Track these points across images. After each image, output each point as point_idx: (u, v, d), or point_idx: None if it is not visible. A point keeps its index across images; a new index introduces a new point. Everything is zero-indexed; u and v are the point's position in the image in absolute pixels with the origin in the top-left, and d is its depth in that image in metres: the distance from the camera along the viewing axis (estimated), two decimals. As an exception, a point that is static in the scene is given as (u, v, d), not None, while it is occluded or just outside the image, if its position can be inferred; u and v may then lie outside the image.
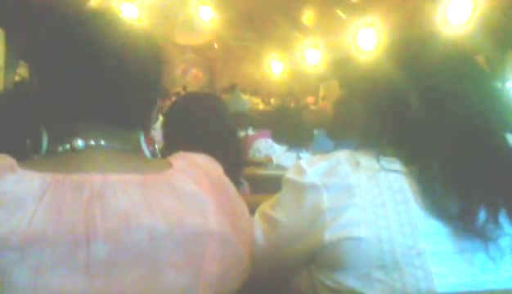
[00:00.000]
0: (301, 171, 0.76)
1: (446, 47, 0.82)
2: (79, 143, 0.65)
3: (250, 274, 0.73)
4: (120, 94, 0.68)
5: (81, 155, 0.65)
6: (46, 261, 0.54)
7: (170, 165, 0.69)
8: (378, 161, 0.74)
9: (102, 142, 0.66)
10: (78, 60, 0.65)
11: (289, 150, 2.69)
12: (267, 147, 3.05)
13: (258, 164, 2.70)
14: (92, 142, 0.66)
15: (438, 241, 0.69)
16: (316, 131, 3.34)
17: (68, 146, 0.65)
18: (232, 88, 8.12)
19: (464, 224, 0.69)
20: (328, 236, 0.72)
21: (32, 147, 0.67)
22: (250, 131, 4.33)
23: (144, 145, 0.73)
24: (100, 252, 0.56)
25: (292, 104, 8.92)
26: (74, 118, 0.67)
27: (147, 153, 0.73)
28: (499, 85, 0.82)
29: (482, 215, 0.70)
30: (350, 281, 0.71)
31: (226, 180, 0.75)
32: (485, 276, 0.70)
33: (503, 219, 0.71)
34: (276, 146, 2.93)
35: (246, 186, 1.55)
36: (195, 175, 0.68)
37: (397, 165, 0.74)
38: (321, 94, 10.53)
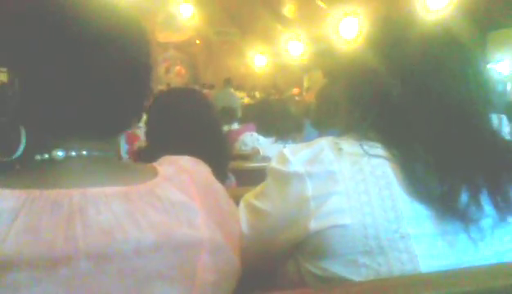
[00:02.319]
0: (284, 159, 0.76)
1: (426, 31, 0.82)
2: (59, 153, 0.61)
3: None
4: (106, 94, 0.63)
5: (59, 167, 0.61)
6: (22, 281, 0.51)
7: (155, 172, 0.66)
8: (360, 146, 0.74)
9: (84, 152, 0.62)
10: (56, 53, 0.60)
11: (275, 142, 2.69)
12: (252, 140, 3.05)
13: (245, 157, 2.70)
14: (73, 153, 0.62)
15: (422, 224, 0.70)
16: (305, 123, 3.34)
17: (46, 156, 0.61)
18: (225, 83, 8.06)
19: (447, 206, 0.70)
20: (313, 224, 0.72)
21: (3, 152, 0.63)
22: (235, 126, 4.32)
23: (122, 142, 0.71)
24: (82, 269, 0.54)
25: (276, 97, 8.92)
26: (53, 124, 0.62)
27: (124, 152, 0.70)
28: (481, 66, 0.83)
29: (464, 197, 0.71)
30: (336, 268, 0.71)
31: (214, 182, 0.73)
32: (467, 257, 0.71)
33: (484, 200, 0.72)
34: (262, 139, 2.93)
35: (233, 180, 1.55)
36: (181, 183, 0.65)
37: (379, 150, 0.74)
38: (305, 85, 10.55)
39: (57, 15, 0.60)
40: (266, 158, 2.54)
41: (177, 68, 11.75)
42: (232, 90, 7.95)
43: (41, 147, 0.61)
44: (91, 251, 0.54)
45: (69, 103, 0.61)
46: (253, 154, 2.70)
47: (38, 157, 0.61)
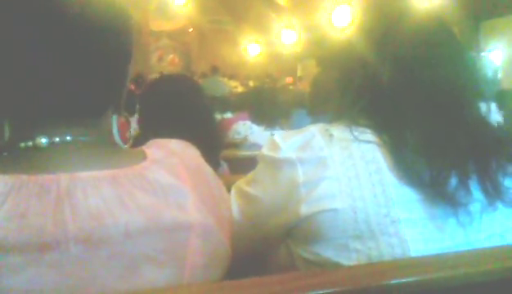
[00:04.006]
0: (275, 146, 0.76)
1: (418, 20, 0.83)
2: (42, 140, 0.60)
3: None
4: (84, 71, 0.62)
5: (45, 153, 0.60)
6: (10, 264, 0.51)
7: (144, 156, 0.65)
8: (351, 132, 0.74)
9: (68, 137, 0.62)
10: (29, 33, 0.58)
11: (265, 130, 2.72)
12: (245, 129, 3.05)
13: (238, 146, 2.71)
14: (57, 139, 0.61)
15: (411, 208, 0.71)
16: (294, 111, 3.35)
17: (30, 143, 0.60)
18: (213, 72, 8.02)
19: (436, 191, 0.71)
20: (304, 210, 0.72)
21: None
22: (228, 115, 4.32)
23: (115, 130, 0.69)
24: (72, 253, 0.53)
25: (270, 86, 8.91)
26: (35, 109, 0.61)
27: (117, 138, 0.70)
28: (472, 54, 0.84)
29: (453, 181, 0.72)
30: (328, 252, 0.72)
31: (203, 165, 0.73)
32: (456, 241, 0.72)
33: (473, 185, 0.73)
34: (255, 127, 2.93)
35: (225, 167, 1.56)
36: (171, 166, 0.65)
37: (369, 135, 0.75)
38: (299, 74, 10.54)
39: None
40: (255, 145, 2.55)
41: (171, 56, 11.69)
42: (220, 78, 7.91)
43: (24, 134, 0.61)
44: (80, 236, 0.54)
45: (47, 89, 0.60)
46: (243, 142, 2.71)
47: (22, 144, 0.60)
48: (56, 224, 0.53)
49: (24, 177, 0.55)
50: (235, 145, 2.70)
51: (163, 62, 11.42)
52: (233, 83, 9.72)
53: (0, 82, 0.61)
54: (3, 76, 0.61)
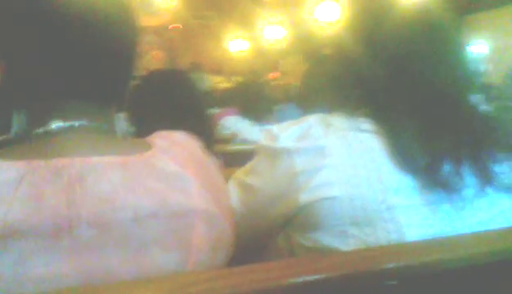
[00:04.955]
0: (273, 136, 0.78)
1: (405, 15, 0.84)
2: (55, 126, 0.63)
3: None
4: (94, 62, 0.65)
5: (57, 139, 0.62)
6: (28, 249, 0.53)
7: (150, 145, 0.68)
8: (348, 121, 0.76)
9: (78, 123, 0.64)
10: (39, 26, 0.61)
11: (253, 125, 2.72)
12: (233, 123, 3.06)
13: (226, 141, 2.72)
14: (68, 124, 0.63)
15: (407, 195, 0.73)
16: (279, 105, 3.37)
17: (43, 129, 0.62)
18: (193, 68, 7.98)
19: (430, 177, 0.73)
20: (302, 198, 0.74)
21: (7, 128, 0.64)
22: (215, 110, 4.31)
23: (119, 123, 0.71)
24: (84, 235, 0.55)
25: (254, 81, 8.88)
26: (46, 97, 0.64)
27: (122, 128, 0.71)
28: (461, 47, 0.86)
29: (446, 168, 0.74)
30: (326, 239, 0.74)
31: (205, 155, 0.75)
32: (450, 226, 0.75)
33: (466, 171, 0.75)
34: (243, 122, 2.94)
35: (221, 160, 1.56)
36: (176, 155, 0.67)
37: (367, 125, 0.77)
38: (282, 69, 10.54)
39: None
40: (245, 140, 2.56)
41: (155, 52, 11.60)
42: (201, 73, 7.88)
43: (37, 121, 0.63)
44: (91, 219, 0.56)
45: (58, 75, 0.63)
46: (232, 138, 2.72)
47: (36, 130, 0.62)
48: (69, 207, 0.55)
49: (38, 162, 0.57)
50: (224, 141, 2.71)
51: (148, 58, 11.33)
52: (218, 79, 9.69)
53: (14, 73, 0.63)
54: (17, 67, 0.63)
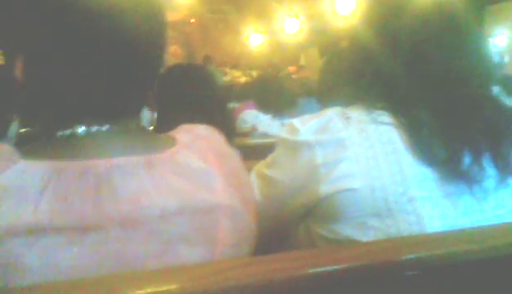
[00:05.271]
0: (294, 130, 0.79)
1: (423, 7, 0.84)
2: (81, 130, 0.63)
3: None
4: (122, 63, 0.63)
5: (83, 141, 0.63)
6: (55, 244, 0.54)
7: (174, 141, 0.68)
8: (368, 114, 0.77)
9: (104, 128, 0.64)
10: (68, 28, 0.60)
11: (272, 118, 2.73)
12: (252, 117, 3.07)
13: (245, 134, 2.73)
14: (94, 128, 0.63)
15: (427, 186, 0.74)
16: (301, 99, 3.37)
17: (68, 132, 0.62)
18: (205, 62, 7.96)
19: (451, 168, 0.74)
20: (323, 190, 0.75)
21: (32, 131, 0.65)
22: (234, 105, 4.32)
23: (145, 117, 0.72)
24: (111, 234, 0.56)
25: (273, 75, 8.85)
26: (74, 98, 0.63)
27: (147, 117, 0.71)
28: (480, 39, 0.86)
29: (466, 159, 0.74)
30: (346, 230, 0.75)
31: (229, 149, 0.75)
32: (471, 217, 0.75)
33: (486, 162, 0.75)
34: (262, 116, 2.95)
35: (239, 153, 1.58)
36: (200, 150, 0.68)
37: (386, 117, 0.77)
38: (302, 63, 10.49)
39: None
40: (265, 134, 2.57)
41: (173, 47, 11.64)
42: (213, 68, 7.86)
43: (63, 124, 0.63)
44: (118, 218, 0.57)
45: (85, 77, 0.62)
46: (251, 131, 2.73)
47: (60, 133, 0.63)
48: (96, 208, 0.56)
49: (64, 163, 0.58)
50: (243, 134, 2.72)
51: (166, 54, 11.35)
52: (236, 73, 9.70)
53: (43, 73, 0.63)
54: (47, 74, 0.63)
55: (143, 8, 0.65)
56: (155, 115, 1.42)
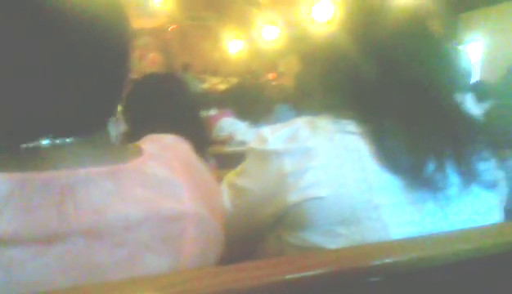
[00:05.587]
0: (263, 139, 0.80)
1: (397, 13, 0.86)
2: (45, 142, 0.61)
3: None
4: (85, 73, 0.61)
5: (46, 153, 0.61)
6: (19, 257, 0.53)
7: (140, 151, 0.68)
8: (334, 124, 0.78)
9: (69, 139, 0.62)
10: (23, 34, 0.57)
11: (249, 126, 2.74)
12: (229, 125, 3.08)
13: (222, 142, 2.74)
14: (58, 141, 0.62)
15: (392, 194, 0.75)
16: (277, 106, 3.39)
17: (31, 145, 0.61)
18: (183, 69, 7.93)
19: (415, 176, 0.75)
20: (292, 198, 0.76)
21: None
22: (212, 112, 4.33)
23: (112, 130, 0.71)
24: (76, 245, 0.56)
25: (252, 82, 8.88)
26: (35, 111, 0.60)
27: (113, 137, 0.70)
28: (450, 47, 0.88)
29: (430, 167, 0.76)
30: (314, 238, 0.76)
31: (195, 158, 0.75)
32: (435, 224, 0.76)
33: (450, 170, 0.77)
34: (240, 124, 2.96)
35: (213, 162, 1.59)
36: (166, 160, 0.68)
37: (352, 126, 0.79)
38: (281, 70, 10.55)
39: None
40: (242, 142, 2.58)
41: (152, 55, 11.58)
42: (191, 75, 7.83)
43: (25, 137, 0.61)
44: (83, 229, 0.56)
45: (46, 89, 0.59)
46: (229, 140, 2.74)
47: (24, 145, 0.61)
48: (60, 219, 0.55)
49: (27, 175, 0.57)
50: (221, 142, 2.72)
51: (145, 61, 11.31)
52: (215, 80, 9.70)
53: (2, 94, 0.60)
54: (4, 85, 0.59)
55: (107, 15, 0.63)
56: (121, 127, 1.42)
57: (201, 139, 1.43)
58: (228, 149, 2.47)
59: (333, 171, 0.75)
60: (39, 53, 0.58)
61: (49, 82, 0.59)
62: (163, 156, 0.68)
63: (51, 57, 0.58)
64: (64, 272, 0.55)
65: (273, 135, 0.79)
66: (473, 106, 0.87)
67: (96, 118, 0.66)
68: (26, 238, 0.54)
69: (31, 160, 0.60)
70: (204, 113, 3.95)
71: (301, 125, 0.80)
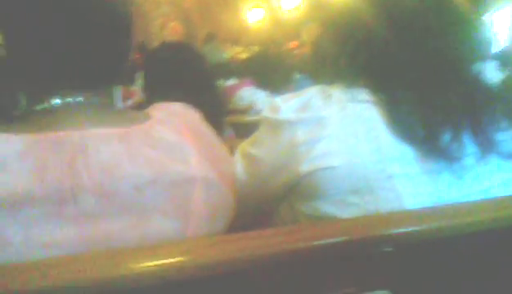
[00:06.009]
0: (276, 108, 0.79)
1: None
2: (56, 101, 0.64)
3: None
4: (89, 38, 0.66)
5: (59, 113, 0.64)
6: (35, 217, 0.55)
7: (149, 117, 0.69)
8: (348, 92, 0.77)
9: (80, 98, 0.66)
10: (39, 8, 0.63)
11: (269, 95, 2.72)
12: (249, 95, 3.06)
13: (242, 112, 2.73)
14: (70, 99, 0.65)
15: (406, 164, 0.74)
16: (298, 75, 3.35)
17: (45, 105, 0.64)
18: (208, 38, 7.89)
19: (430, 146, 0.74)
20: (304, 168, 0.76)
21: (8, 106, 0.66)
22: (232, 81, 4.30)
23: (118, 98, 0.73)
24: (87, 204, 0.58)
25: (274, 51, 8.77)
26: (48, 76, 0.65)
27: (120, 105, 0.73)
28: (473, 18, 0.85)
29: (446, 137, 0.74)
30: (327, 207, 0.76)
31: (204, 125, 0.76)
32: (450, 194, 0.75)
33: (466, 140, 0.76)
34: (259, 93, 2.94)
35: (230, 131, 1.59)
36: (174, 125, 0.69)
37: (365, 95, 0.77)
38: (304, 38, 10.39)
39: None
40: (260, 112, 2.56)
41: (172, 24, 11.52)
42: (217, 44, 7.78)
43: (38, 98, 0.65)
44: (94, 188, 0.58)
45: (59, 61, 0.64)
46: (248, 109, 2.73)
47: (37, 107, 0.64)
48: (72, 177, 0.57)
49: (40, 136, 0.59)
50: (240, 112, 2.72)
51: (165, 30, 11.26)
52: (237, 49, 9.60)
53: (15, 55, 0.65)
54: (18, 49, 0.65)
55: None
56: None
57: (217, 108, 1.43)
58: (248, 118, 2.46)
59: (345, 140, 0.74)
60: (52, 13, 0.63)
61: (61, 38, 0.63)
62: (172, 121, 0.69)
63: (56, 22, 0.63)
64: (76, 233, 0.57)
65: (286, 105, 0.79)
66: (495, 75, 0.84)
67: (100, 76, 0.69)
68: (40, 197, 0.56)
69: (43, 121, 0.63)
70: (223, 83, 3.95)
71: (313, 94, 0.79)
